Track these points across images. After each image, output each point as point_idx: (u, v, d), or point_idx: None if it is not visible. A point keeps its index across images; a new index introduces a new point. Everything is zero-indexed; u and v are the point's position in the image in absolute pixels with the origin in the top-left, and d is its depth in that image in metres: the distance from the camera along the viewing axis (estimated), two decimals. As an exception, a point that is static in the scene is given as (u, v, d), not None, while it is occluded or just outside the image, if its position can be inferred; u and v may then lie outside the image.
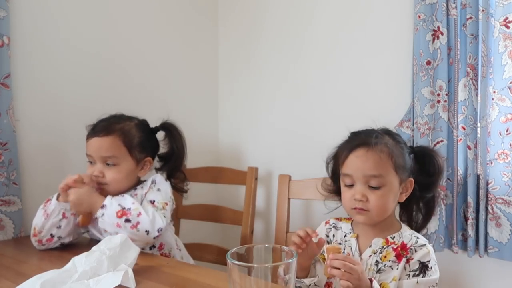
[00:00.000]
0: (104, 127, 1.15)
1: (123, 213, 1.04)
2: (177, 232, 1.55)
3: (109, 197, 1.08)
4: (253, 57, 1.83)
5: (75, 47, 1.42)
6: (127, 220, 1.02)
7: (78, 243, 1.18)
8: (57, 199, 1.10)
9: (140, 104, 1.57)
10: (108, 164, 1.13)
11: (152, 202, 1.12)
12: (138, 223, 1.03)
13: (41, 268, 0.87)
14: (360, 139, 0.98)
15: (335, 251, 0.85)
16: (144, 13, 1.64)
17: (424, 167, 1.02)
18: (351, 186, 0.97)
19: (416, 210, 1.04)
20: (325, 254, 0.86)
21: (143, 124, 1.24)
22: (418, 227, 1.04)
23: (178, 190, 1.30)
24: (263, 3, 1.79)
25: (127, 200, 1.07)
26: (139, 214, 1.04)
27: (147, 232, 1.04)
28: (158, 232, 1.06)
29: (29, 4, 1.31)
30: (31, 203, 1.28)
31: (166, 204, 1.14)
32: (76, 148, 1.37)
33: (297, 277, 0.96)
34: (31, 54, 1.32)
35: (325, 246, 0.87)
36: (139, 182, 1.22)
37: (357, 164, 0.95)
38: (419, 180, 1.01)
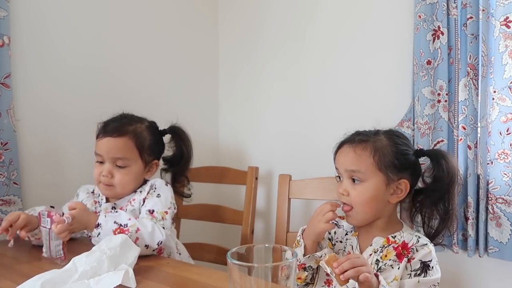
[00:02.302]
0: (116, 127, 1.14)
1: (120, 230, 1.00)
2: (177, 232, 1.55)
3: (102, 214, 1.03)
4: (253, 57, 1.83)
5: (75, 47, 1.42)
6: None
7: (79, 242, 1.18)
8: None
9: (140, 104, 1.56)
10: (117, 166, 1.12)
11: (151, 212, 1.09)
12: (137, 239, 1.00)
13: (41, 268, 0.87)
14: (347, 137, 1.03)
15: (334, 259, 0.84)
16: (144, 13, 1.64)
17: (433, 171, 1.01)
18: (341, 179, 1.02)
19: (429, 216, 1.02)
20: (326, 269, 0.84)
21: (153, 126, 1.23)
22: (432, 234, 1.02)
23: (181, 195, 1.29)
24: (264, 3, 1.79)
25: (122, 216, 1.03)
26: (137, 230, 1.00)
27: (147, 246, 1.02)
28: (158, 245, 1.03)
29: (29, 4, 1.31)
30: (32, 203, 1.29)
31: (166, 213, 1.11)
32: (77, 148, 1.38)
33: (309, 254, 0.98)
34: (31, 54, 1.32)
35: (321, 263, 0.85)
36: (143, 181, 1.21)
37: (340, 159, 1.01)
38: (429, 184, 1.01)
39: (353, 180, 0.98)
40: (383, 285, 0.84)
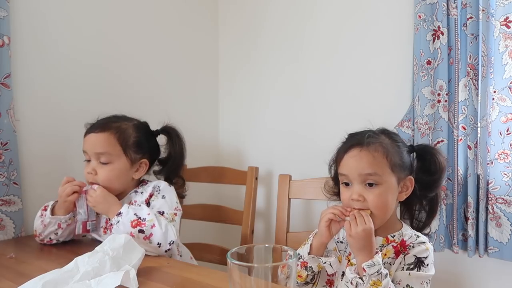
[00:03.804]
0: (100, 124, 1.15)
1: (137, 223, 1.02)
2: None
3: (126, 205, 1.07)
4: (253, 57, 1.83)
5: (75, 47, 1.42)
6: (141, 231, 1.02)
7: (81, 242, 1.18)
8: (52, 212, 1.11)
9: (140, 104, 1.57)
10: (101, 163, 1.12)
11: (162, 213, 1.11)
12: (151, 234, 1.02)
13: (41, 268, 0.87)
14: (353, 140, 0.99)
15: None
16: (144, 12, 1.64)
17: (425, 165, 1.02)
18: (349, 185, 0.98)
19: (419, 209, 1.04)
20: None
21: (142, 125, 1.23)
22: (421, 226, 1.04)
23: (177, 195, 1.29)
24: (264, 2, 1.79)
25: (143, 210, 1.06)
26: (153, 226, 1.03)
27: (159, 244, 1.03)
28: (170, 245, 1.05)
29: (29, 4, 1.31)
30: (32, 203, 1.29)
31: (175, 214, 1.12)
32: (76, 148, 1.37)
33: (314, 255, 0.98)
34: (31, 54, 1.32)
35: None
36: (136, 184, 1.20)
37: (351, 164, 0.96)
38: (421, 179, 1.01)
39: (366, 183, 0.95)
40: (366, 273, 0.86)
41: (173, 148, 1.25)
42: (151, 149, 1.23)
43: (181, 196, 1.30)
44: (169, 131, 1.26)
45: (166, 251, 1.05)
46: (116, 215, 1.05)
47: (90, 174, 1.13)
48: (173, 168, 1.26)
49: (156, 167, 1.27)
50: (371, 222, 0.90)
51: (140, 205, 1.11)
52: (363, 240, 0.89)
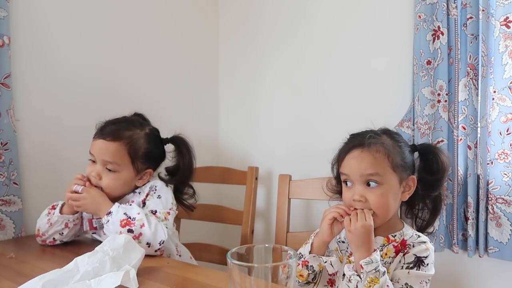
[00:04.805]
0: (112, 131, 1.12)
1: (127, 222, 1.02)
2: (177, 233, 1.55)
3: (116, 204, 1.07)
4: (253, 57, 1.83)
5: (75, 47, 1.42)
6: (130, 231, 1.01)
7: (81, 242, 1.18)
8: (60, 211, 1.11)
9: (140, 103, 1.56)
10: (107, 169, 1.11)
11: (154, 212, 1.10)
12: (140, 234, 1.01)
13: (41, 268, 0.87)
14: (355, 141, 0.99)
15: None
16: (145, 12, 1.64)
17: (428, 165, 1.02)
18: (351, 185, 0.98)
19: (422, 208, 1.04)
20: None
21: (153, 134, 1.21)
22: (424, 226, 1.04)
23: (185, 206, 1.27)
24: (264, 2, 1.79)
25: (133, 210, 1.06)
26: (142, 226, 1.02)
27: (149, 244, 1.02)
28: (160, 245, 1.04)
29: (29, 4, 1.31)
30: (32, 203, 1.29)
31: (168, 213, 1.12)
32: (76, 148, 1.38)
33: (315, 254, 0.99)
34: (31, 54, 1.32)
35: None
36: (135, 187, 1.20)
37: (352, 165, 0.97)
38: (423, 178, 1.01)
39: (368, 184, 0.95)
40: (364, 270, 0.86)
41: (182, 161, 1.23)
42: (157, 158, 1.22)
43: (189, 208, 1.28)
44: (179, 143, 1.24)
45: (156, 251, 1.04)
46: (106, 214, 1.05)
47: (94, 177, 1.12)
48: (182, 180, 1.24)
49: (164, 176, 1.25)
50: (371, 219, 0.91)
51: (131, 205, 1.10)
52: (362, 236, 0.89)
